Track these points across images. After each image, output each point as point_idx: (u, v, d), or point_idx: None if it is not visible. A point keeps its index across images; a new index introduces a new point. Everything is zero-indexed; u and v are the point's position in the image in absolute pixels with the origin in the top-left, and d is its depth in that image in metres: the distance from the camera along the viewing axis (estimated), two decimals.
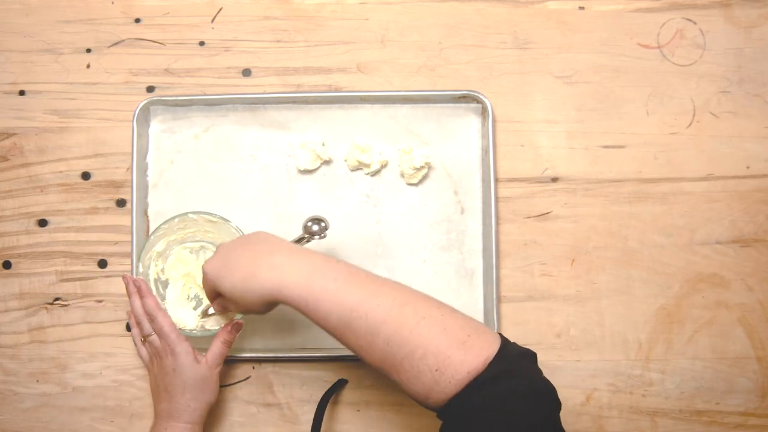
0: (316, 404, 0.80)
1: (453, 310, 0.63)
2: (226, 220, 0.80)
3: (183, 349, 0.75)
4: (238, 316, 0.79)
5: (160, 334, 0.76)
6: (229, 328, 0.77)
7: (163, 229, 0.80)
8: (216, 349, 0.77)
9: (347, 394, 0.85)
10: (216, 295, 0.73)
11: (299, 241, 0.77)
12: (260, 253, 0.67)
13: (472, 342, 0.59)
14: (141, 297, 0.78)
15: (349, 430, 0.85)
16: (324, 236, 0.77)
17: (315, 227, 0.77)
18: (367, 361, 0.63)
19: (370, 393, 0.85)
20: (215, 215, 0.80)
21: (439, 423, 0.62)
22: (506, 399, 0.57)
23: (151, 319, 0.77)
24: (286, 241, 0.70)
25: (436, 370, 0.59)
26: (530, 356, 0.62)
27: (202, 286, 0.75)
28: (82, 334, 0.86)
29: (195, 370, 0.75)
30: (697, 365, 0.86)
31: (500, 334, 0.62)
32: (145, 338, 0.78)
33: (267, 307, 0.68)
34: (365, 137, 0.87)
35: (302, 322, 0.85)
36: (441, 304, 0.63)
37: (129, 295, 0.79)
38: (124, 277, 0.80)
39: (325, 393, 0.81)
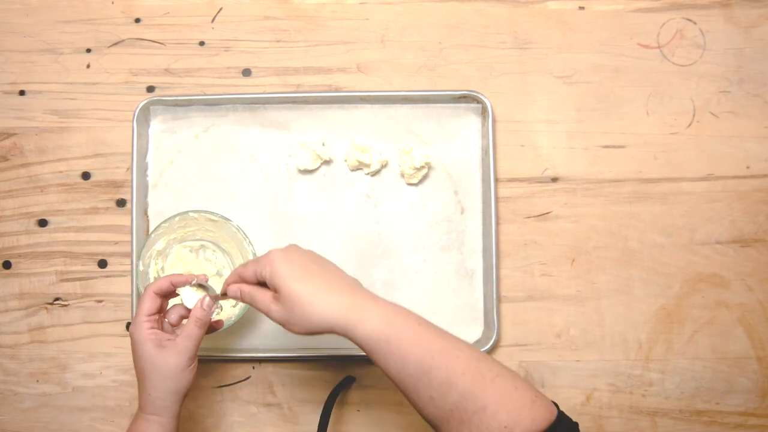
0: (316, 404, 0.80)
1: (514, 371, 0.63)
2: (227, 219, 0.80)
3: (139, 337, 0.69)
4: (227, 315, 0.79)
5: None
6: (201, 304, 0.70)
7: (164, 227, 0.80)
8: (189, 330, 0.69)
9: (347, 394, 0.85)
10: (256, 282, 0.67)
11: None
12: (345, 279, 0.66)
13: (540, 402, 0.60)
14: None
15: (349, 430, 0.85)
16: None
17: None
18: (430, 414, 0.62)
19: (370, 393, 0.85)
20: (216, 214, 0.80)
21: None
22: None
23: None
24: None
25: (505, 426, 0.59)
26: (577, 425, 0.63)
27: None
28: (82, 334, 0.86)
29: (154, 358, 0.68)
30: (697, 365, 0.86)
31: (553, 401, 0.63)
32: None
33: (316, 329, 0.64)
34: (365, 137, 0.87)
35: None
36: (503, 365, 0.64)
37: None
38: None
39: (333, 390, 0.81)
